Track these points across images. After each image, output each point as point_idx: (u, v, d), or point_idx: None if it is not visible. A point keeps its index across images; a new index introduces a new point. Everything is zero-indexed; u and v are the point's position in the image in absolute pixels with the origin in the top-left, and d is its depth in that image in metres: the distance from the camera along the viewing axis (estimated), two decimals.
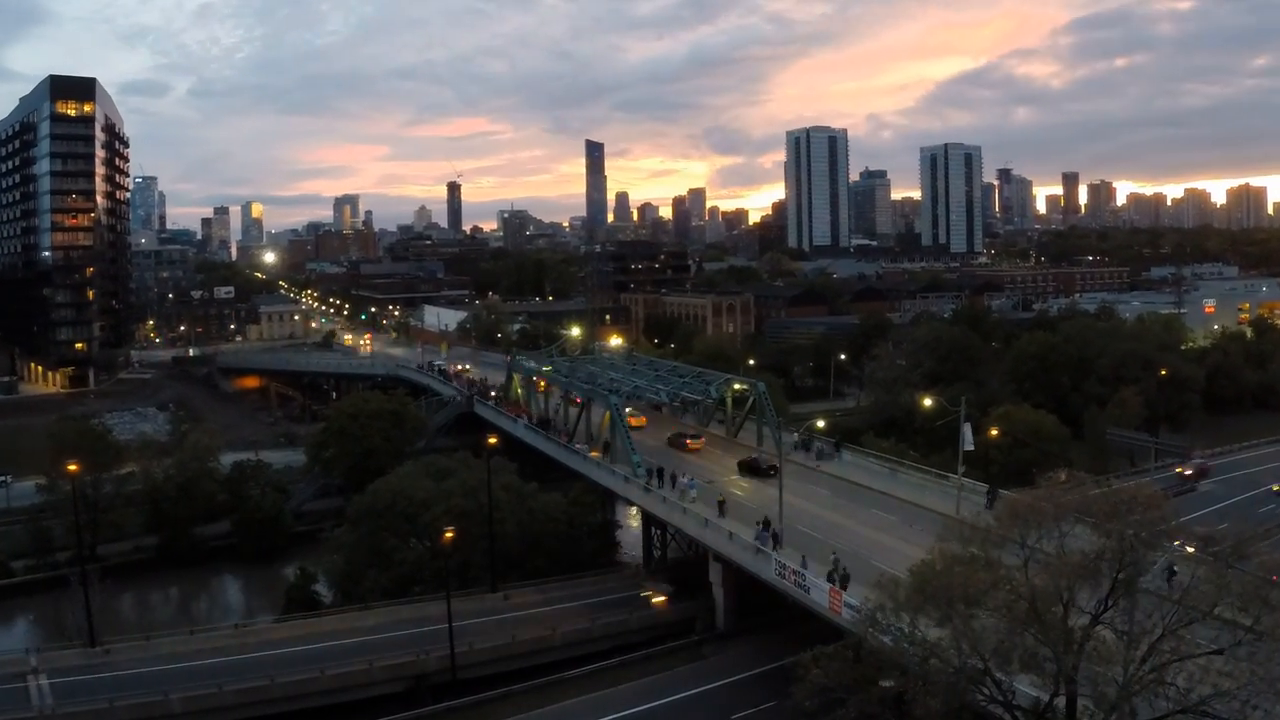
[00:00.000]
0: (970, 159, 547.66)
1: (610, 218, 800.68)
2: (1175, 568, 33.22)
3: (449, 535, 56.29)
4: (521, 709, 47.63)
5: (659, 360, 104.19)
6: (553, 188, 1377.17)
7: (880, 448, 77.42)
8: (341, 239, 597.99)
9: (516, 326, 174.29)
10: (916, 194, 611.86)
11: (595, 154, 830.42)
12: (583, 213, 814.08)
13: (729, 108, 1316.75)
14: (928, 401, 77.02)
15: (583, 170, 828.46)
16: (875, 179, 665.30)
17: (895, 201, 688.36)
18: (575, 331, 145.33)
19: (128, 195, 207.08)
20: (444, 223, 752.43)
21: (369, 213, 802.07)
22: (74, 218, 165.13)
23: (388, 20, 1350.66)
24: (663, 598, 60.09)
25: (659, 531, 70.29)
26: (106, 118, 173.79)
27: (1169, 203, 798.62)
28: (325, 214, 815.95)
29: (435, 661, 52.42)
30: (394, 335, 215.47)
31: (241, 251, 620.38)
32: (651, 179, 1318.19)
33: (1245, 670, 27.55)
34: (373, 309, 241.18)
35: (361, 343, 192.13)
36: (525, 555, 66.45)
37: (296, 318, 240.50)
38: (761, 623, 54.19)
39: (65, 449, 75.03)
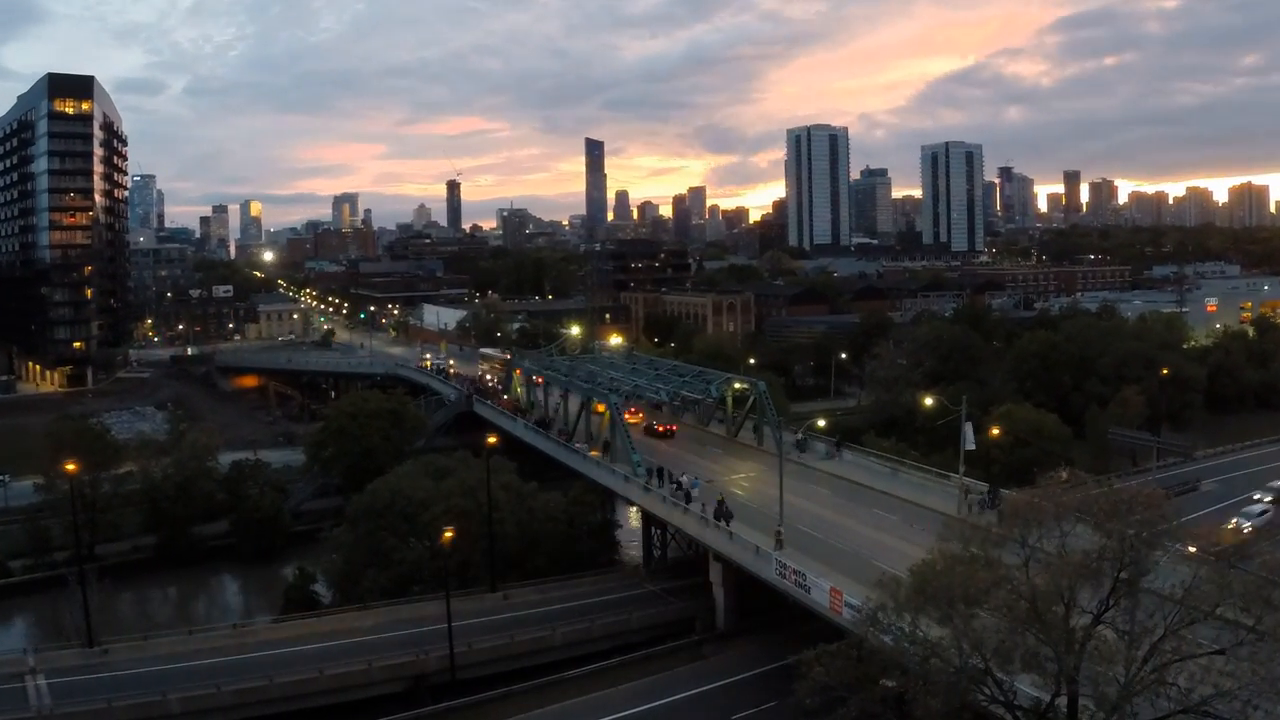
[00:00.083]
0: (971, 157, 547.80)
1: (610, 216, 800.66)
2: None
3: (448, 535, 56.09)
4: (521, 709, 47.43)
5: (659, 359, 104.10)
6: (551, 186, 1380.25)
7: (881, 447, 77.26)
8: (340, 237, 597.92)
9: (516, 325, 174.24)
10: (917, 192, 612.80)
11: (595, 152, 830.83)
12: (582, 211, 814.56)
13: (721, 106, 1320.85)
14: (929, 401, 76.82)
15: (581, 168, 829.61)
16: (876, 177, 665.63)
17: (896, 200, 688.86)
18: (575, 330, 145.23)
19: (126, 194, 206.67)
20: (443, 221, 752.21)
21: (368, 211, 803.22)
22: (72, 216, 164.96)
23: (380, 18, 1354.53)
24: None
25: (659, 531, 70.19)
26: (105, 116, 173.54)
27: (1171, 201, 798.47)
28: (324, 212, 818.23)
29: (434, 661, 52.25)
30: (393, 334, 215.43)
31: (240, 250, 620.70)
32: (651, 177, 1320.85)
33: (1247, 670, 27.39)
34: (372, 308, 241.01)
35: (362, 342, 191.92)
36: (525, 555, 66.32)
37: (295, 316, 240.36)
38: (762, 623, 54.04)
39: (63, 448, 74.67)
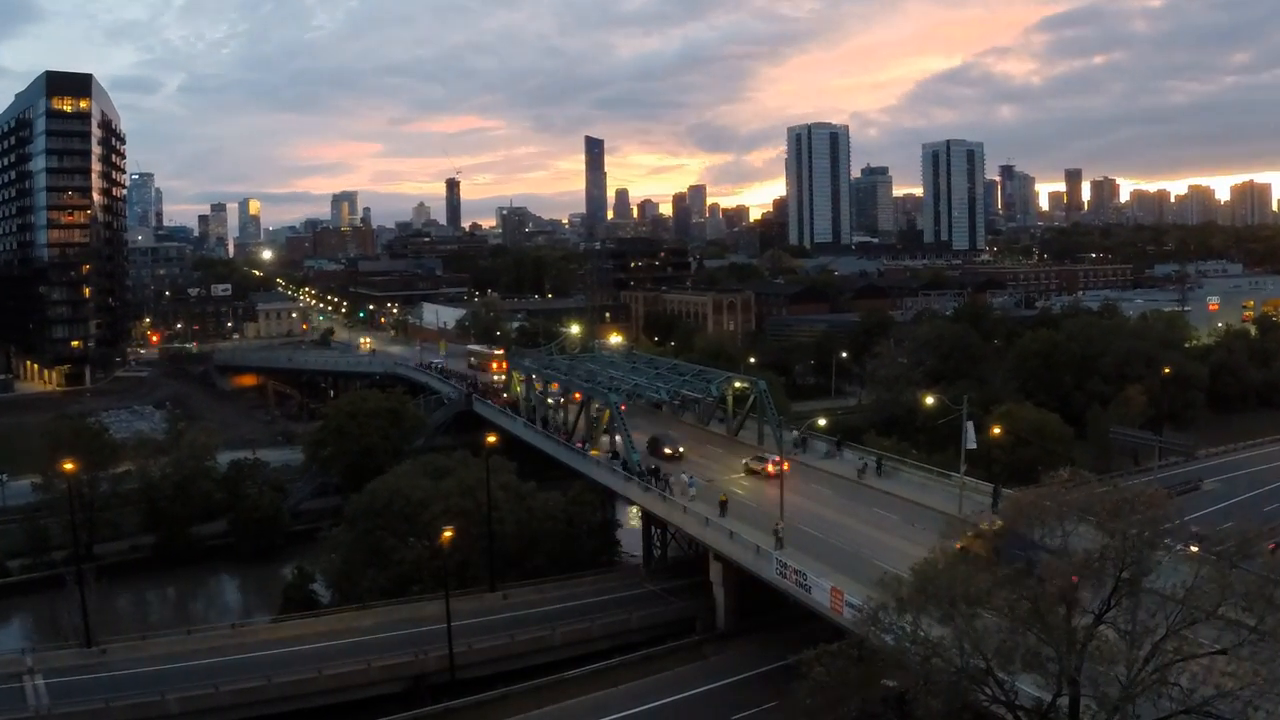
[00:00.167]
0: (972, 155, 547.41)
1: (610, 215, 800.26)
2: None
3: (447, 534, 55.91)
4: (521, 709, 47.37)
5: (659, 358, 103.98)
6: (550, 184, 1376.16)
7: (882, 446, 77.04)
8: (339, 236, 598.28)
9: (515, 324, 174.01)
10: (917, 190, 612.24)
11: (595, 150, 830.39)
12: (581, 209, 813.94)
13: (714, 105, 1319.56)
14: (930, 400, 76.64)
15: (579, 167, 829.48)
16: (877, 175, 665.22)
17: (897, 198, 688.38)
18: (575, 329, 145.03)
19: (124, 192, 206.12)
20: (443, 219, 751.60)
21: (367, 209, 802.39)
22: (70, 215, 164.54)
23: (374, 16, 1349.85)
24: None
25: (659, 531, 70.04)
26: (103, 114, 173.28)
27: (1172, 200, 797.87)
28: (322, 211, 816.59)
29: (434, 661, 52.16)
30: (393, 333, 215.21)
31: (239, 249, 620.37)
32: (650, 176, 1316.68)
33: (1248, 670, 27.28)
34: (371, 307, 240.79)
35: (362, 341, 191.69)
36: (524, 554, 66.20)
37: (294, 315, 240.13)
38: (762, 622, 53.95)
39: (61, 447, 74.63)
